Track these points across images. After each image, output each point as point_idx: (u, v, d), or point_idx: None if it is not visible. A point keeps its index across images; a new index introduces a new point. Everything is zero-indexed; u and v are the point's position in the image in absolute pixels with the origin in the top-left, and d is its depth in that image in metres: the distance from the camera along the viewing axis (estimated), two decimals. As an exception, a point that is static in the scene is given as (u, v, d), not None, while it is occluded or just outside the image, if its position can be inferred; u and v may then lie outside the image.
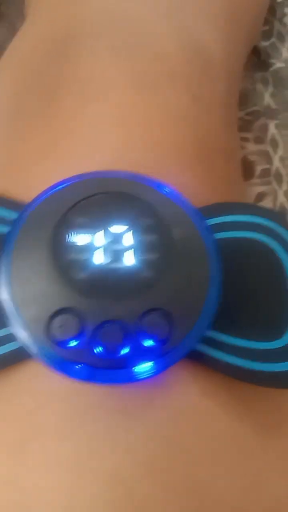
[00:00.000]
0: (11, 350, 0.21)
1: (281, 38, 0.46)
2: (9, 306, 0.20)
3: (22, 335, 0.20)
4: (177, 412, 0.21)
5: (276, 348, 0.21)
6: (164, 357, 0.20)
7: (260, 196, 0.41)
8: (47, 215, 0.21)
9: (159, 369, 0.20)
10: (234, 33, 0.34)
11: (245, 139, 0.43)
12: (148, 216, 0.21)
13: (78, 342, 0.20)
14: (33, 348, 0.20)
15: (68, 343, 0.20)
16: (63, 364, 0.20)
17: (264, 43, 0.46)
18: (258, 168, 0.42)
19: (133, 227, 0.21)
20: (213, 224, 0.23)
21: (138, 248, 0.21)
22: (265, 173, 0.42)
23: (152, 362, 0.20)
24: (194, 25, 0.31)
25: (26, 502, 0.20)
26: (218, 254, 0.21)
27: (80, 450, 0.20)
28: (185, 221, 0.21)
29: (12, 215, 0.22)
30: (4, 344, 0.21)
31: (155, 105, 0.27)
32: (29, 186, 0.23)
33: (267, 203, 0.41)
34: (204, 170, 0.27)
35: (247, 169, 0.42)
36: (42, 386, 0.21)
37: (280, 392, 0.23)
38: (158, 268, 0.21)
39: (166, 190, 0.22)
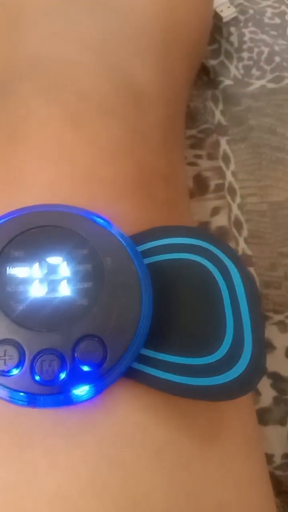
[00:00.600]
0: None
1: (229, 56, 0.48)
2: None
3: None
4: (116, 430, 0.22)
5: (210, 363, 0.23)
6: (100, 379, 0.21)
7: (215, 210, 0.43)
8: None
9: (97, 391, 0.21)
10: (170, 61, 0.35)
11: (198, 156, 0.45)
12: (81, 246, 0.22)
13: (18, 370, 0.21)
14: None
15: (9, 372, 0.21)
16: (6, 392, 0.21)
17: (213, 62, 0.48)
18: (212, 184, 0.44)
19: (67, 258, 0.22)
20: (149, 248, 0.24)
21: (72, 278, 0.22)
22: (219, 187, 0.44)
23: (89, 385, 0.21)
24: (125, 61, 0.32)
25: None
26: (149, 278, 0.23)
27: (23, 471, 0.21)
28: (117, 249, 0.23)
29: None
30: None
31: (85, 140, 0.28)
32: None
33: (222, 216, 0.43)
34: (142, 197, 0.28)
35: (202, 185, 0.44)
36: None
37: (220, 403, 0.24)
38: (91, 296, 0.22)
39: (98, 220, 0.23)
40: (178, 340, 0.23)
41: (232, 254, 0.24)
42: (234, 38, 0.49)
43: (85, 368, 0.21)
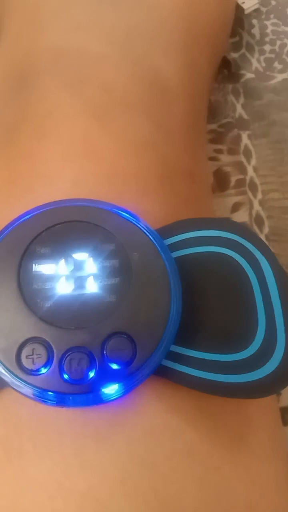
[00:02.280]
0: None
1: (250, 49, 0.47)
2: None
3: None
4: (146, 431, 0.22)
5: (241, 360, 0.22)
6: (129, 378, 0.20)
7: (236, 206, 0.42)
8: (13, 247, 0.22)
9: (126, 390, 0.21)
10: (193, 55, 0.34)
11: (219, 151, 0.44)
12: (108, 242, 0.22)
13: (47, 369, 0.20)
14: (6, 377, 0.21)
15: (38, 371, 0.20)
16: (35, 391, 0.20)
17: (234, 55, 0.47)
18: (233, 179, 0.43)
19: (93, 253, 0.22)
20: (176, 242, 0.24)
21: (100, 274, 0.22)
22: (240, 183, 0.43)
23: (118, 383, 0.20)
24: (149, 54, 0.32)
25: None
26: (177, 272, 0.22)
27: (54, 472, 0.21)
28: (144, 243, 0.22)
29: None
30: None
31: (109, 135, 0.27)
32: None
33: (243, 212, 0.42)
34: (167, 192, 0.27)
35: (222, 180, 0.43)
36: (15, 414, 0.22)
37: (248, 402, 0.24)
38: (119, 292, 0.21)
39: (124, 215, 0.22)
40: (209, 336, 0.22)
41: (262, 246, 0.24)
42: (255, 31, 0.49)
43: (114, 366, 0.20)
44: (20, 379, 0.20)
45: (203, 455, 0.22)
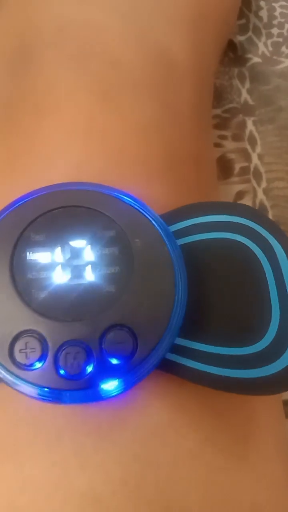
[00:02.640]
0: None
1: (257, 32, 0.46)
2: None
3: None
4: (148, 429, 0.20)
5: (253, 353, 0.21)
6: (130, 373, 0.19)
7: (240, 195, 0.41)
8: (6, 233, 0.21)
9: (127, 386, 0.19)
10: (200, 33, 0.33)
11: (223, 137, 0.43)
12: (107, 228, 0.21)
13: (41, 364, 0.19)
14: (-1, 372, 0.19)
15: (31, 366, 0.19)
16: (29, 387, 0.19)
17: (241, 38, 0.46)
18: (237, 166, 0.42)
19: (92, 240, 0.20)
20: (183, 228, 0.22)
21: (98, 263, 0.20)
22: (244, 171, 0.42)
23: (118, 379, 0.19)
24: (155, 28, 0.30)
25: None
26: (183, 261, 0.21)
27: (52, 470, 0.20)
28: (147, 229, 0.21)
29: None
30: None
31: (115, 114, 0.26)
32: None
33: (246, 201, 0.41)
34: (174, 177, 0.26)
35: (226, 168, 0.42)
36: (10, 410, 0.21)
37: (254, 399, 0.23)
38: (119, 282, 0.20)
39: (127, 199, 0.21)
40: (217, 328, 0.21)
41: (277, 232, 0.22)
42: (263, 13, 0.47)
43: (114, 361, 0.19)
44: (13, 374, 0.19)
45: (208, 454, 0.21)
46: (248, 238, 0.22)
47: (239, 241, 0.22)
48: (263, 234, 0.22)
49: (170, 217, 0.22)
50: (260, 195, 0.41)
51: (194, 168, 0.28)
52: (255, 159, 0.42)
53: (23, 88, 0.27)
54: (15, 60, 0.29)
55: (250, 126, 0.43)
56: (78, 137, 0.25)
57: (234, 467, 0.21)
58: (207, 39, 0.34)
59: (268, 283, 0.22)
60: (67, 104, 0.26)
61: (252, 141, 0.43)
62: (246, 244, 0.22)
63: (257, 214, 0.23)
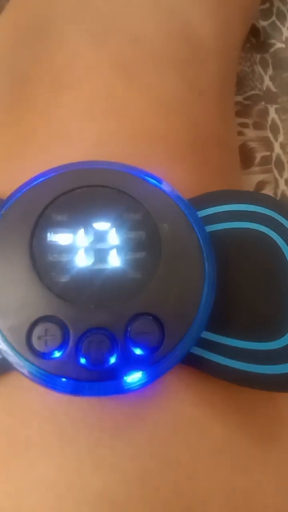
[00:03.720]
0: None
1: (281, 16, 0.45)
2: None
3: (1, 346, 0.18)
4: (169, 426, 0.19)
5: (276, 349, 0.20)
6: (155, 366, 0.18)
7: (260, 185, 0.40)
8: (24, 212, 0.19)
9: (150, 379, 0.18)
10: (226, 12, 0.32)
11: (244, 125, 0.41)
12: (133, 210, 0.19)
13: (61, 353, 0.18)
14: (13, 360, 0.18)
15: (50, 355, 0.18)
16: (46, 377, 0.18)
17: (264, 23, 0.44)
18: (258, 156, 0.41)
19: (117, 223, 0.19)
20: (207, 215, 0.21)
21: (124, 247, 0.19)
22: (266, 160, 0.41)
23: (142, 371, 0.18)
24: (180, 5, 0.29)
25: None
26: (212, 249, 0.19)
27: (65, 469, 0.18)
28: (175, 214, 0.20)
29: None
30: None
31: (136, 91, 0.25)
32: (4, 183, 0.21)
33: (267, 192, 0.40)
34: (197, 160, 0.25)
35: (246, 157, 0.41)
36: (23, 402, 0.19)
37: (278, 397, 0.22)
38: (146, 268, 0.19)
39: (153, 181, 0.20)
40: (242, 322, 0.20)
41: None
42: (288, -3, 0.45)
43: (138, 352, 0.18)
44: (30, 362, 0.18)
45: (232, 454, 0.20)
46: (272, 230, 0.21)
47: (263, 232, 0.21)
48: (286, 225, 0.21)
49: (194, 203, 0.21)
50: (282, 186, 0.40)
51: (218, 151, 0.27)
52: (277, 148, 0.41)
53: (42, 63, 0.26)
54: (33, 37, 0.28)
55: (272, 114, 0.42)
56: (97, 114, 0.24)
57: (259, 469, 0.20)
58: (232, 19, 0.33)
59: None
60: (87, 80, 0.25)
61: (275, 129, 0.41)
62: (271, 235, 0.21)
63: (281, 205, 0.22)
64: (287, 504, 0.21)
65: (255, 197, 0.22)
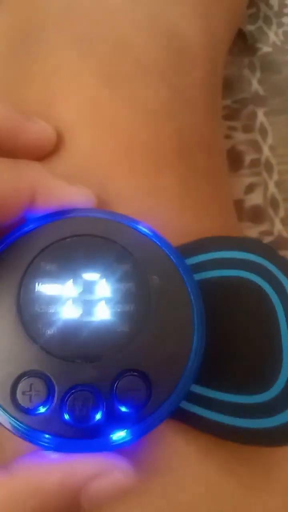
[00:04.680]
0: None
1: (268, 21, 0.44)
2: None
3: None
4: (162, 469, 0.19)
5: (265, 402, 0.20)
6: (141, 423, 0.18)
7: (250, 188, 0.39)
8: (14, 261, 0.19)
9: (136, 437, 0.18)
10: (213, 16, 0.31)
11: (232, 128, 0.41)
12: (123, 261, 0.19)
13: (46, 408, 0.18)
14: (-4, 414, 0.18)
15: (35, 410, 0.18)
16: (31, 432, 0.18)
17: (250, 27, 0.44)
18: (247, 158, 0.40)
19: (107, 274, 0.19)
20: (196, 263, 0.21)
21: (113, 299, 0.19)
22: (255, 163, 0.40)
23: (128, 429, 0.18)
24: (167, 12, 0.29)
25: None
26: (201, 300, 0.19)
27: None
28: (164, 264, 0.19)
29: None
30: None
31: (124, 99, 0.25)
32: None
33: (257, 194, 0.39)
34: (183, 168, 0.25)
35: (236, 160, 0.40)
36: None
37: (268, 451, 0.22)
38: (134, 321, 0.18)
39: (143, 229, 0.19)
40: (231, 374, 0.20)
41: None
42: (274, 1, 0.45)
43: (124, 409, 0.18)
44: (14, 418, 0.18)
45: (219, 458, 0.20)
46: (261, 277, 0.21)
47: (252, 280, 0.21)
48: (275, 274, 0.21)
49: (185, 250, 0.21)
50: (272, 188, 0.39)
51: (205, 156, 0.27)
52: (266, 151, 0.40)
53: (30, 70, 0.26)
54: (21, 44, 0.28)
55: (261, 117, 0.42)
56: (84, 125, 0.24)
57: (246, 472, 0.21)
58: (219, 26, 0.32)
59: (280, 324, 0.21)
60: (73, 88, 0.25)
61: (263, 132, 0.41)
62: (259, 283, 0.21)
63: (271, 252, 0.22)
64: (274, 505, 0.21)
65: (245, 244, 0.22)
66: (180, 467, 0.19)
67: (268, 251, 0.22)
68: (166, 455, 0.19)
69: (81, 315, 0.18)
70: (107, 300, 0.19)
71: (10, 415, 0.18)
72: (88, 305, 0.19)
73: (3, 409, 0.18)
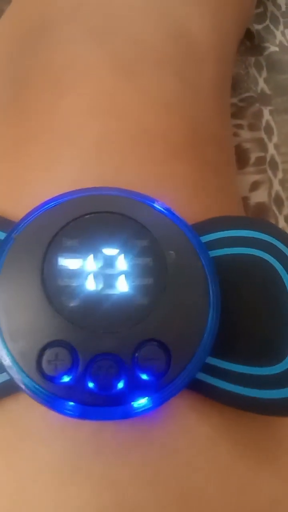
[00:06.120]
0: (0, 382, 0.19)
1: (275, 20, 0.45)
2: (-3, 337, 0.19)
3: (11, 369, 0.18)
4: (176, 448, 0.20)
5: (277, 374, 0.20)
6: (161, 391, 0.19)
7: (255, 185, 0.40)
8: (36, 237, 0.20)
9: (156, 404, 0.19)
10: (223, 16, 0.32)
11: (239, 126, 0.42)
12: (141, 237, 0.20)
13: (70, 377, 0.18)
14: (22, 383, 0.18)
15: (59, 379, 0.18)
16: (55, 400, 0.18)
17: (258, 26, 0.45)
18: (253, 156, 0.41)
19: (125, 249, 0.20)
20: (210, 241, 0.22)
21: (132, 273, 0.19)
22: (260, 161, 0.41)
23: (149, 397, 0.18)
24: (179, 8, 0.30)
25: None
26: (216, 275, 0.20)
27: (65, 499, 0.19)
28: (180, 241, 0.20)
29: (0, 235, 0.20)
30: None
31: (136, 91, 0.25)
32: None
33: (262, 192, 0.40)
34: (195, 159, 0.25)
35: (241, 157, 0.41)
36: (28, 421, 0.20)
37: (280, 422, 0.22)
38: (153, 294, 0.19)
39: (160, 208, 0.20)
40: (244, 347, 0.21)
41: None
42: (281, 1, 0.46)
43: (145, 377, 0.18)
44: (39, 386, 0.18)
45: (238, 476, 0.21)
46: (271, 255, 0.22)
47: (262, 258, 0.22)
48: (285, 253, 0.22)
49: (198, 228, 0.21)
50: (276, 186, 0.40)
51: (216, 149, 0.27)
52: (271, 149, 0.41)
53: (42, 64, 0.26)
54: (33, 38, 0.28)
55: (266, 115, 0.42)
56: (98, 115, 0.24)
57: (254, 456, 0.21)
58: (229, 24, 0.33)
59: None
60: (87, 80, 0.25)
61: (269, 130, 0.42)
62: (269, 260, 0.22)
63: (280, 232, 0.22)
64: (281, 493, 0.21)
65: (255, 223, 0.23)
66: (191, 447, 0.20)
67: (277, 230, 0.22)
68: (180, 436, 0.20)
69: (102, 288, 0.19)
70: (126, 274, 0.19)
71: (36, 383, 0.18)
72: (108, 278, 0.19)
73: (29, 377, 0.18)
